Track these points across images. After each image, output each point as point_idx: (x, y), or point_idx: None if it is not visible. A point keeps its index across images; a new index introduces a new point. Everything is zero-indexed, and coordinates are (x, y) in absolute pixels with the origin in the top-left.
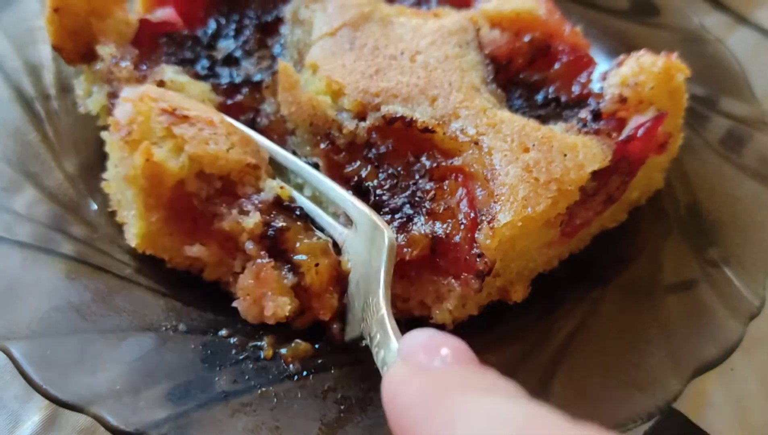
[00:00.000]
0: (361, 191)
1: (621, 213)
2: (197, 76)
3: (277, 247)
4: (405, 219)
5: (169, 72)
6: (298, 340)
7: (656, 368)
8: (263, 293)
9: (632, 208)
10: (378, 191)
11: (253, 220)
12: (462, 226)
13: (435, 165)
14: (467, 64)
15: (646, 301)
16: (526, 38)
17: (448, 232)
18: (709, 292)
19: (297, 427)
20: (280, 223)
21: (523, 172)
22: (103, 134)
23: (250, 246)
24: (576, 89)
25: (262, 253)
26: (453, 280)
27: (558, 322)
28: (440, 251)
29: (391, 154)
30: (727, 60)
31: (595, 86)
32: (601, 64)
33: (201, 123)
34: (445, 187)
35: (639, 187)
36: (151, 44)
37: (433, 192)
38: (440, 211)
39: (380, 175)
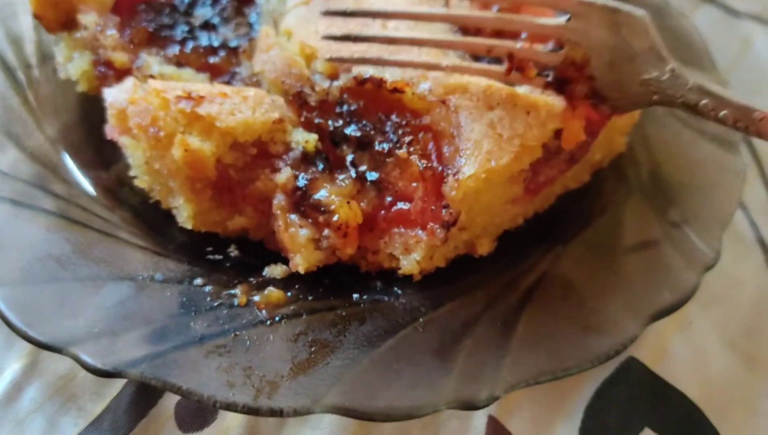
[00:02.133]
0: (334, 141)
1: (584, 174)
2: (179, 64)
3: (307, 197)
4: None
5: (155, 65)
6: (271, 288)
7: (614, 314)
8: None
9: (595, 170)
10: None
11: (284, 175)
12: (430, 178)
13: (405, 123)
14: (436, 28)
15: (608, 256)
16: (495, 8)
17: (423, 181)
18: (670, 250)
19: (269, 367)
20: (308, 175)
21: (487, 129)
22: (113, 136)
23: (280, 198)
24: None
25: (289, 206)
26: (420, 231)
27: (522, 274)
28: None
29: (362, 112)
30: (690, 32)
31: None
32: None
33: (217, 97)
34: (419, 138)
35: (602, 150)
36: (130, 12)
37: (408, 139)
38: (412, 162)
39: (354, 126)
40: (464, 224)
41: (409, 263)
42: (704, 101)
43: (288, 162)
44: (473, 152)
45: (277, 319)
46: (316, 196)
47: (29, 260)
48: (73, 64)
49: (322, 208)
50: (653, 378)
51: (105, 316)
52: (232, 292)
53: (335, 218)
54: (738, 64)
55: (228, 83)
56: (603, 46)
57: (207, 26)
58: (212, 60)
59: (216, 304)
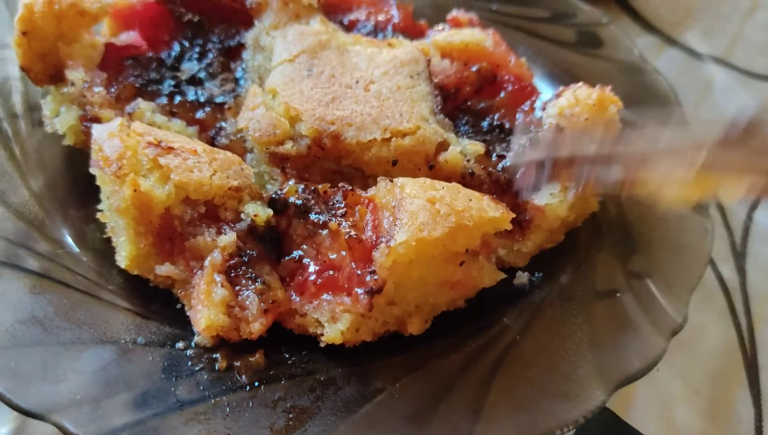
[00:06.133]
0: (275, 208)
1: (558, 235)
2: (172, 114)
3: (247, 269)
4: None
5: (148, 112)
6: (251, 353)
7: (584, 380)
8: (197, 303)
9: (569, 230)
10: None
11: (228, 238)
12: (362, 246)
13: (351, 190)
14: (417, 95)
15: (577, 307)
16: (474, 68)
17: (349, 250)
18: (633, 304)
19: (247, 434)
20: (253, 251)
21: (426, 203)
22: (92, 169)
23: (216, 255)
24: (519, 117)
25: (222, 266)
26: (346, 298)
27: (496, 336)
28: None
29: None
30: (665, 90)
31: (538, 114)
32: (546, 90)
33: (185, 153)
34: (356, 213)
35: (576, 210)
36: (117, 67)
37: (342, 211)
38: (341, 232)
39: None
40: (394, 299)
41: (333, 332)
42: None
43: (234, 229)
44: (407, 222)
45: (256, 384)
46: (257, 273)
47: (12, 323)
48: (60, 119)
49: (262, 280)
50: (622, 425)
51: (87, 381)
52: (214, 356)
53: (279, 293)
54: (700, 105)
55: (213, 138)
56: None
57: (194, 81)
58: (199, 115)
59: (197, 368)
